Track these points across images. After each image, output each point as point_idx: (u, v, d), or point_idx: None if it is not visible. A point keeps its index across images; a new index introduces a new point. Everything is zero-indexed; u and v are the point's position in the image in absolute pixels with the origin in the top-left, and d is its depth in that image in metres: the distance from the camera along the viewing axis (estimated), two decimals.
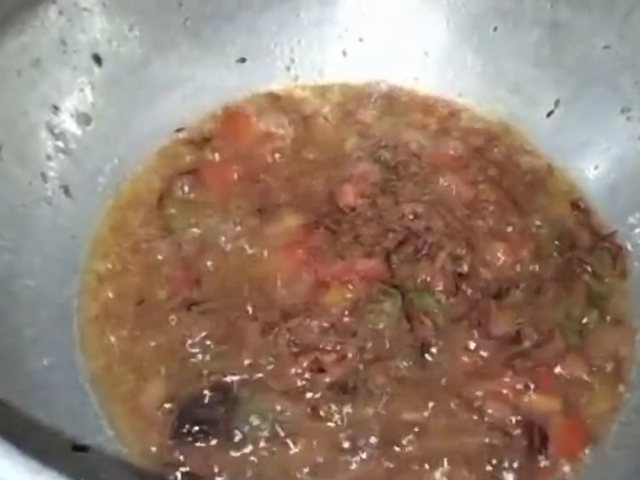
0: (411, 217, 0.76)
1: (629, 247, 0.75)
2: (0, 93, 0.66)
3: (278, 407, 0.63)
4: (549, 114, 0.81)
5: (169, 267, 0.71)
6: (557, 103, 0.81)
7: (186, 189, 0.74)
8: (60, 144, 0.71)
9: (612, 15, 0.74)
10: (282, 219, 0.75)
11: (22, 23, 0.65)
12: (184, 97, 0.79)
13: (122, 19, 0.73)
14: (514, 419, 0.64)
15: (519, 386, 0.65)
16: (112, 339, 0.67)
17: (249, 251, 0.72)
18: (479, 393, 0.65)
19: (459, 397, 0.65)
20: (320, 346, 0.67)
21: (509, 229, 0.76)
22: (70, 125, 0.72)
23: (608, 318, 0.72)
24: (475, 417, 0.64)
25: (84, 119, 0.73)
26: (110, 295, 0.70)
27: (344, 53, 0.84)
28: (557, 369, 0.67)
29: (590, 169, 0.80)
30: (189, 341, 0.67)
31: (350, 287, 0.70)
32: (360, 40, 0.84)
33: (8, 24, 0.64)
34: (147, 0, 0.74)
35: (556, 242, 0.76)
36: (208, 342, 0.66)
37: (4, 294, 0.63)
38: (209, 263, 0.71)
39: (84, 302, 0.69)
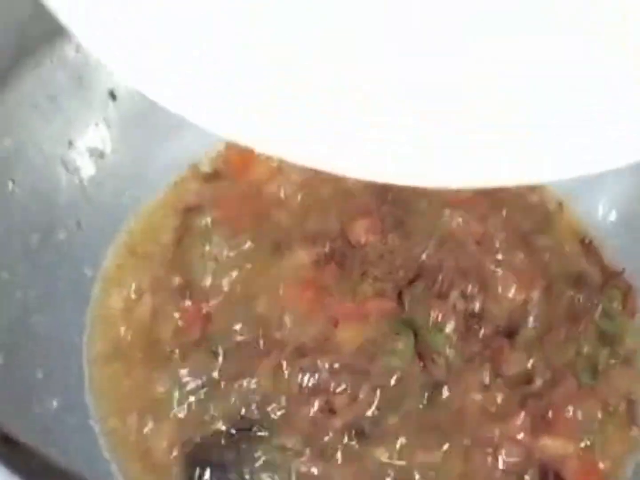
0: (422, 253, 0.76)
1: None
2: (15, 128, 0.66)
3: (290, 451, 0.63)
4: None
5: (181, 303, 0.71)
6: None
7: (204, 224, 0.74)
8: (73, 179, 0.71)
9: None
10: (293, 255, 0.74)
11: (40, 59, 0.66)
12: (196, 133, 0.78)
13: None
14: (528, 463, 0.63)
15: (533, 428, 0.65)
16: (122, 379, 0.66)
17: (261, 287, 0.72)
18: (493, 435, 0.65)
19: (473, 438, 0.64)
20: (332, 387, 0.66)
21: (520, 266, 0.76)
22: (84, 160, 0.72)
23: (620, 358, 0.72)
24: (489, 460, 0.63)
25: (97, 154, 0.73)
26: (120, 333, 0.69)
27: None
28: (571, 410, 0.67)
29: (599, 206, 0.80)
30: (200, 381, 0.66)
31: (363, 325, 0.70)
32: None
33: (26, 60, 0.65)
34: None
35: (566, 280, 0.76)
36: (219, 382, 0.66)
37: (17, 333, 0.63)
38: (220, 299, 0.71)
39: (94, 340, 0.69)
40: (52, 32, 0.65)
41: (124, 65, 0.39)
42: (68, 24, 0.38)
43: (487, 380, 0.68)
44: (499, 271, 0.75)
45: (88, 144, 0.72)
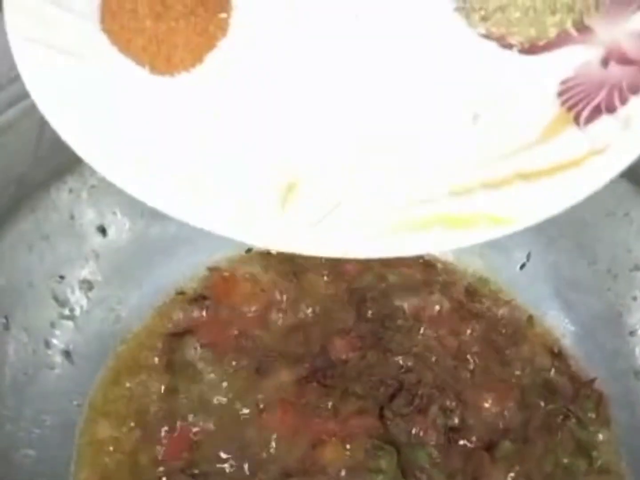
0: (401, 369, 0.79)
1: (610, 394, 0.79)
2: (10, 267, 0.70)
3: None
4: (522, 267, 0.87)
5: (167, 431, 0.72)
6: (529, 256, 0.87)
7: (189, 349, 0.77)
8: (64, 311, 0.74)
9: None
10: (276, 375, 0.77)
11: (36, 204, 0.71)
12: (181, 259, 0.84)
13: (125, 193, 0.79)
14: None
15: None
16: None
17: (245, 410, 0.74)
18: None
19: None
20: None
21: (494, 379, 0.79)
22: (74, 292, 0.76)
23: (596, 466, 0.74)
24: None
25: (87, 285, 0.77)
26: (107, 462, 0.70)
27: None
28: None
29: (565, 318, 0.84)
30: None
31: (346, 444, 0.71)
32: None
33: (24, 205, 0.70)
34: None
35: (539, 391, 0.78)
36: None
37: (5, 466, 0.63)
38: (206, 425, 0.73)
39: (80, 470, 0.69)
40: (47, 179, 0.71)
41: (138, 190, 0.49)
42: (89, 161, 0.48)
43: None
44: (475, 385, 0.78)
45: (78, 277, 0.76)
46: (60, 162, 0.70)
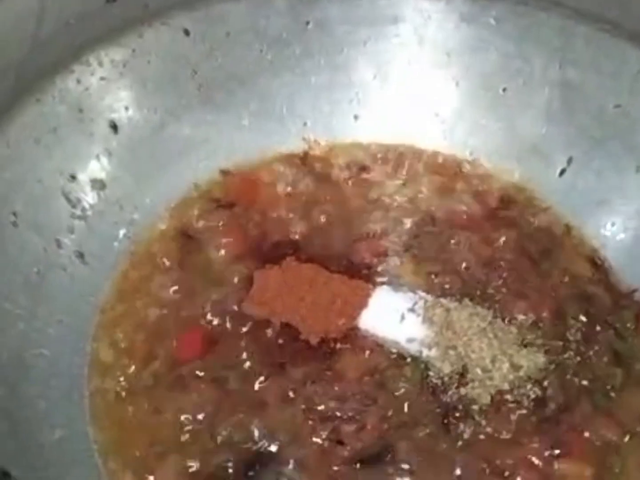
0: (428, 275, 0.75)
1: None
2: (17, 162, 0.66)
3: None
4: (561, 173, 0.81)
5: (183, 331, 0.69)
6: (569, 161, 0.81)
7: (205, 250, 0.74)
8: (75, 210, 0.71)
9: (621, 75, 0.75)
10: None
11: (41, 93, 0.67)
12: (198, 160, 0.80)
13: (138, 87, 0.74)
14: None
15: (549, 452, 0.63)
16: (124, 410, 0.65)
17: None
18: (509, 461, 0.63)
19: (487, 465, 0.62)
20: (340, 415, 0.65)
21: (528, 288, 0.74)
22: (85, 191, 0.72)
23: (634, 378, 0.70)
24: None
25: (99, 185, 0.73)
26: (122, 367, 0.68)
27: (356, 117, 0.85)
28: (587, 433, 0.65)
29: (607, 227, 0.79)
30: (204, 411, 0.65)
31: (369, 351, 0.69)
32: (372, 103, 0.85)
33: (27, 94, 0.66)
34: (163, 69, 0.75)
35: (576, 302, 0.74)
36: (224, 412, 0.65)
37: (19, 365, 0.62)
38: (224, 325, 0.70)
39: (95, 374, 0.67)
40: (52, 66, 0.66)
41: None
42: None
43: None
44: (507, 293, 0.74)
45: (90, 176, 0.73)
46: (64, 47, 0.65)
